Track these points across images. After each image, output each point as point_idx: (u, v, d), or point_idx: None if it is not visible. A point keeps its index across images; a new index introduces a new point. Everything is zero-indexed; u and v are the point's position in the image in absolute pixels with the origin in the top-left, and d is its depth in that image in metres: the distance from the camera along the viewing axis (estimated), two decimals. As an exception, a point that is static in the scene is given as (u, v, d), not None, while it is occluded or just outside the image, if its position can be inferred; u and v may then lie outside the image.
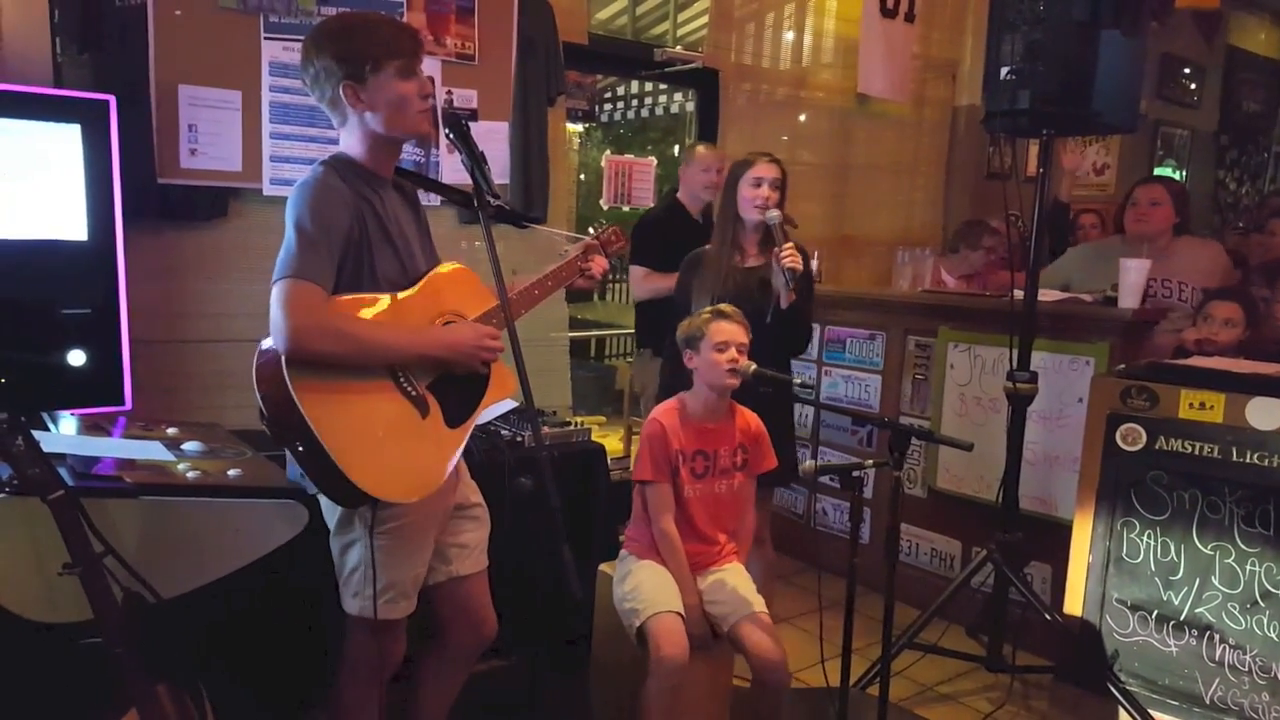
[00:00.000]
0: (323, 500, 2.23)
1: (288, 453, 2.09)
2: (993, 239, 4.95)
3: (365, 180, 2.18)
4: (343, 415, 2.02)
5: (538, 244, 3.61)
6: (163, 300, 3.37)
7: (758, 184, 3.22)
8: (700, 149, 4.29)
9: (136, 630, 1.97)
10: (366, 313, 2.10)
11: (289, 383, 1.96)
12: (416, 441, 2.15)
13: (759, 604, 2.73)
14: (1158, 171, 6.86)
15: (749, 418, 2.90)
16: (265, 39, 3.47)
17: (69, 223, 2.83)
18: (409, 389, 2.14)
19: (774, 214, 3.19)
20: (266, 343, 2.04)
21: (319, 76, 2.13)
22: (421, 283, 2.23)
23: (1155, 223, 4.04)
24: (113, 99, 2.88)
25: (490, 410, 3.22)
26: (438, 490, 2.21)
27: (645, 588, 2.70)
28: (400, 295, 2.17)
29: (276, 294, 1.97)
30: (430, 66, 2.40)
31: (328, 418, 1.98)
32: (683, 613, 2.65)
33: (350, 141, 2.21)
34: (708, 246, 3.36)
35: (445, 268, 2.32)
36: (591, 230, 2.62)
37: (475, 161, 2.16)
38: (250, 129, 3.47)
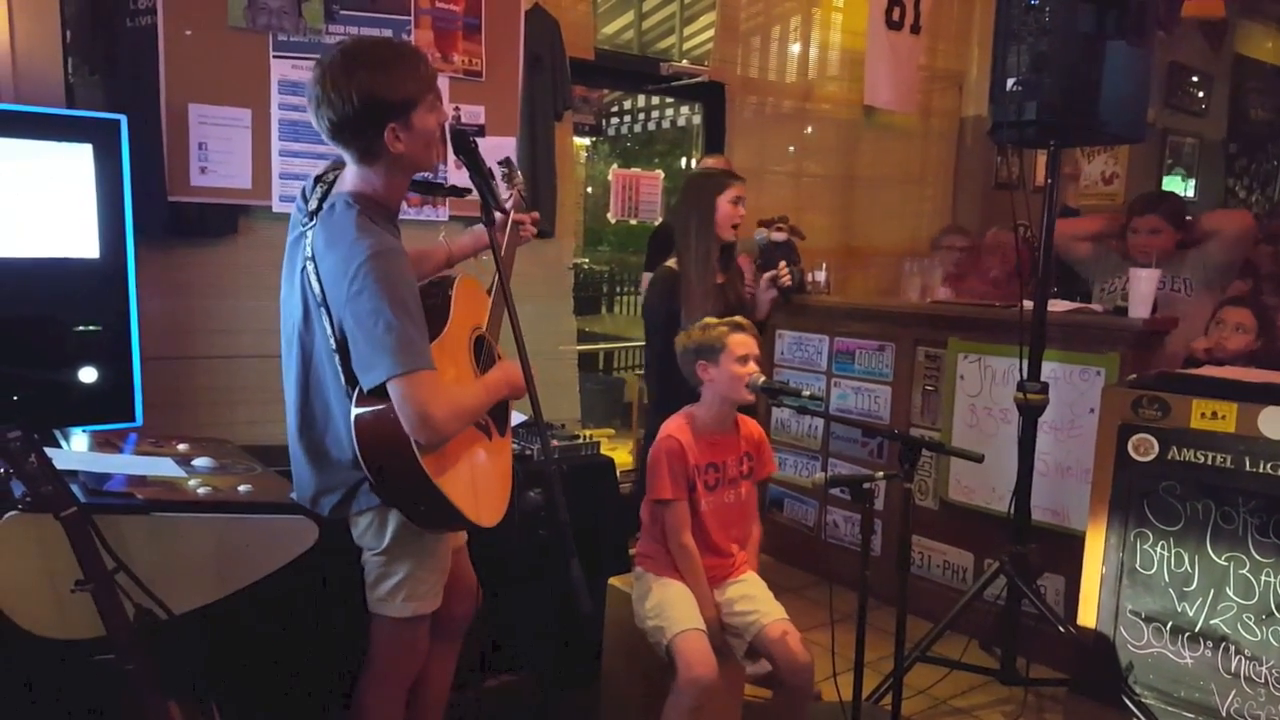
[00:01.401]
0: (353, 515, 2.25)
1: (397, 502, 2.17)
2: (964, 238, 4.99)
3: (387, 218, 2.16)
4: (456, 469, 2.14)
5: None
6: (173, 317, 3.38)
7: (736, 202, 3.25)
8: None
9: (148, 647, 1.97)
10: (449, 369, 2.19)
11: (420, 461, 2.03)
12: (494, 462, 2.33)
13: (779, 611, 2.73)
14: (1166, 180, 6.85)
15: (751, 425, 2.90)
16: (274, 58, 3.49)
17: (81, 241, 2.85)
18: (479, 420, 2.29)
19: (780, 234, 3.22)
20: (364, 407, 2.05)
21: (362, 121, 2.02)
22: (450, 310, 2.28)
23: (1156, 249, 4.04)
24: (124, 119, 2.90)
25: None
26: None
27: (668, 606, 2.69)
28: (444, 332, 2.22)
29: (409, 390, 1.96)
30: (438, 83, 2.42)
31: (450, 479, 2.10)
32: (705, 629, 2.64)
33: (374, 180, 2.14)
34: (672, 264, 3.36)
35: (455, 283, 2.35)
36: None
37: (483, 179, 2.16)
38: (260, 147, 3.49)
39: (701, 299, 3.25)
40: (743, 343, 2.74)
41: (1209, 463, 2.88)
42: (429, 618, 2.33)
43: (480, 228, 2.54)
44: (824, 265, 4.75)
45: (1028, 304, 3.32)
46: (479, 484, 2.22)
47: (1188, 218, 4.21)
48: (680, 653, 2.57)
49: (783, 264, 3.23)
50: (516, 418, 3.28)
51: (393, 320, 1.96)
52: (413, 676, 2.38)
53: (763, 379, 2.72)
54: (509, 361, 2.33)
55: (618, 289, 11.66)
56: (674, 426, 2.79)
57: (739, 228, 3.41)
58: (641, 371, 5.35)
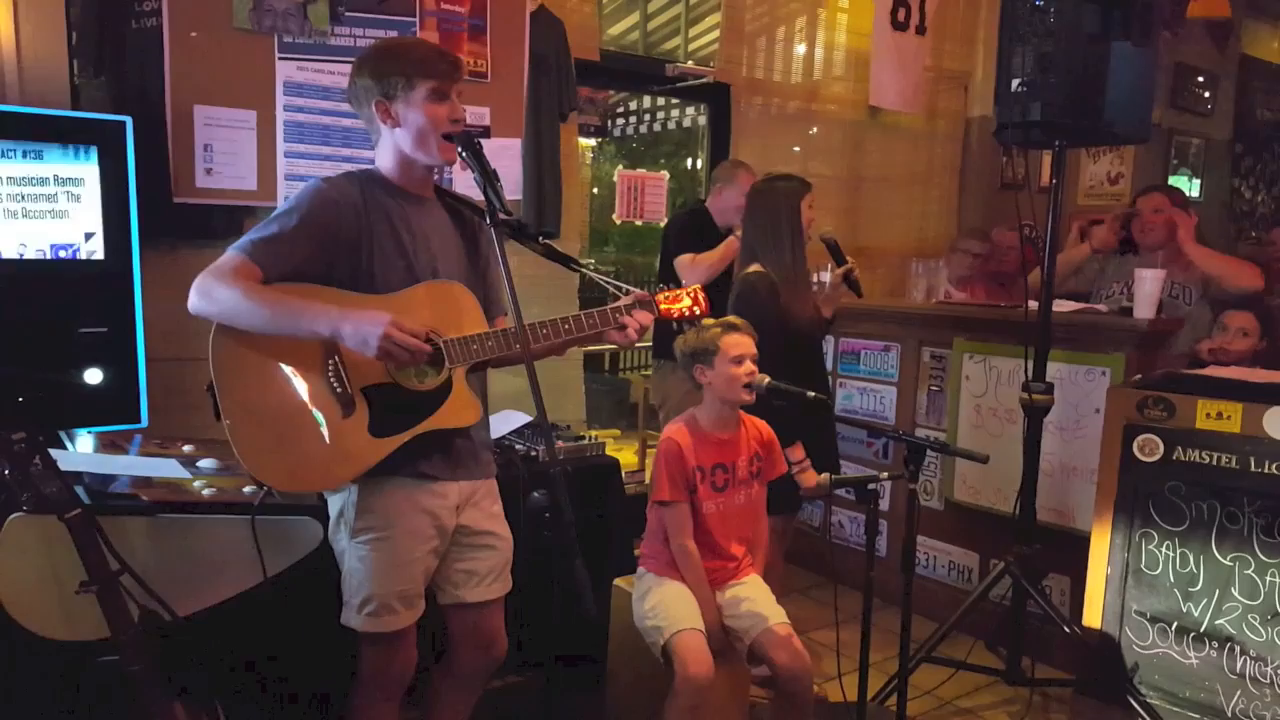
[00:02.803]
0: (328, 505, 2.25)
1: None
2: (981, 245, 4.96)
3: (388, 193, 2.24)
4: (247, 389, 2.10)
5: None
6: (178, 318, 3.35)
7: (810, 207, 3.32)
8: (744, 172, 4.24)
9: (153, 648, 1.98)
10: (302, 294, 2.11)
11: (211, 336, 2.09)
12: (316, 436, 2.12)
13: (779, 615, 2.72)
14: (1172, 180, 6.83)
15: (759, 425, 2.90)
16: (279, 59, 3.49)
17: (86, 242, 2.85)
18: (335, 385, 2.14)
19: (827, 229, 3.29)
20: None
21: (358, 94, 2.24)
22: (399, 292, 2.20)
23: (1162, 229, 4.04)
24: (129, 120, 2.91)
25: (504, 425, 3.23)
26: (416, 504, 2.22)
27: (666, 605, 2.69)
28: (362, 295, 2.15)
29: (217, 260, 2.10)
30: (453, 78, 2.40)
31: (234, 381, 2.09)
32: (703, 630, 2.64)
33: (382, 158, 2.29)
34: (761, 270, 3.30)
35: (435, 283, 2.26)
36: (660, 290, 2.43)
37: (487, 179, 2.16)
38: (265, 148, 3.50)
39: (803, 304, 3.29)
40: (736, 343, 2.73)
41: (1214, 463, 2.87)
42: (393, 637, 2.27)
43: (642, 294, 2.40)
44: (829, 266, 4.74)
45: (1033, 304, 3.32)
46: (274, 434, 2.10)
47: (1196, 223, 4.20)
48: (676, 653, 2.57)
49: (850, 259, 3.33)
50: (521, 419, 3.29)
51: (266, 220, 2.15)
52: (396, 690, 2.35)
53: (766, 380, 2.71)
54: (374, 310, 2.07)
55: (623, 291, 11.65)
56: (675, 429, 2.79)
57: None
58: (647, 372, 5.35)
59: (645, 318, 2.33)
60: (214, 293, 2.06)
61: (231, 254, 2.10)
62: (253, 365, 2.11)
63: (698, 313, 2.44)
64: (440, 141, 2.20)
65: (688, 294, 2.43)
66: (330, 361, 2.14)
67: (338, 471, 2.16)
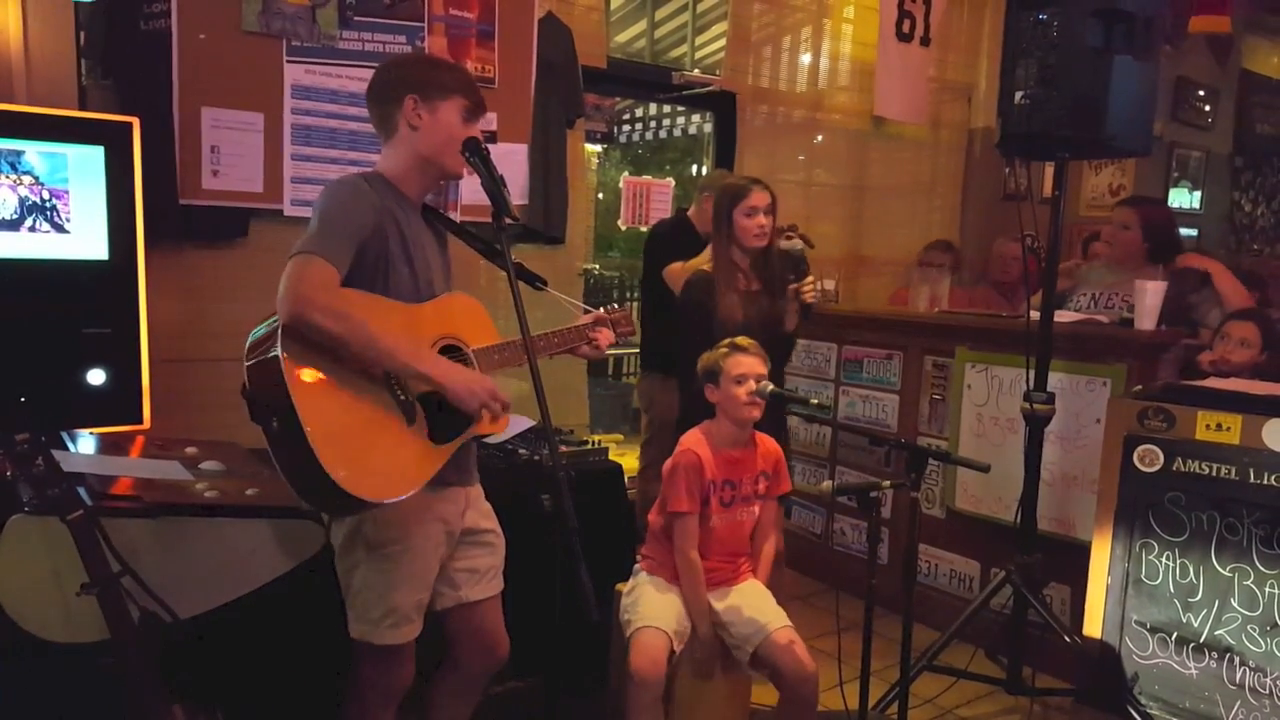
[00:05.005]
0: (333, 524, 2.25)
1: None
2: (944, 256, 5.04)
3: (394, 198, 2.23)
4: (326, 399, 2.02)
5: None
6: (182, 320, 3.39)
7: (751, 214, 3.24)
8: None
9: (153, 650, 1.98)
10: (374, 309, 2.11)
11: (280, 352, 1.97)
12: (397, 445, 2.13)
13: (781, 619, 2.72)
14: (1172, 193, 6.85)
15: (769, 444, 2.91)
16: (288, 62, 3.51)
17: (91, 243, 2.86)
18: (399, 394, 2.13)
19: (798, 244, 3.22)
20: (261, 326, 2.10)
21: (390, 85, 2.22)
22: (434, 301, 2.26)
23: (1120, 247, 4.02)
24: (136, 121, 2.92)
25: (507, 429, 3.24)
26: (432, 512, 2.24)
27: (642, 602, 2.74)
28: (406, 306, 2.20)
29: (290, 267, 2.00)
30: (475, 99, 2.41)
31: (310, 397, 1.98)
32: (670, 631, 2.65)
33: (390, 161, 2.27)
34: (707, 270, 3.35)
35: (460, 296, 2.36)
36: (604, 309, 2.63)
37: (495, 184, 2.18)
38: (272, 151, 3.51)
39: (730, 306, 3.25)
40: (738, 364, 2.75)
41: (1214, 474, 2.88)
42: (401, 649, 2.27)
43: (599, 313, 2.61)
44: (836, 275, 4.77)
45: (1034, 314, 3.32)
46: (363, 445, 2.06)
47: (1182, 249, 4.14)
48: (632, 647, 2.61)
49: (809, 279, 3.23)
50: (524, 423, 3.29)
51: (316, 221, 2.08)
52: (395, 700, 2.35)
53: (770, 387, 2.72)
54: (473, 372, 2.22)
55: (628, 294, 11.67)
56: (694, 440, 2.80)
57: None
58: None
59: (608, 335, 2.53)
60: (348, 317, 2.00)
61: (313, 259, 2.00)
62: (326, 371, 2.04)
63: (628, 331, 2.66)
64: (460, 156, 2.22)
65: (623, 314, 2.64)
66: (391, 374, 2.13)
67: (415, 478, 2.13)
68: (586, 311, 2.61)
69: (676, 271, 3.98)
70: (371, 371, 2.09)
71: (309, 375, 2.00)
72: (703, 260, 3.90)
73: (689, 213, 4.33)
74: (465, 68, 2.39)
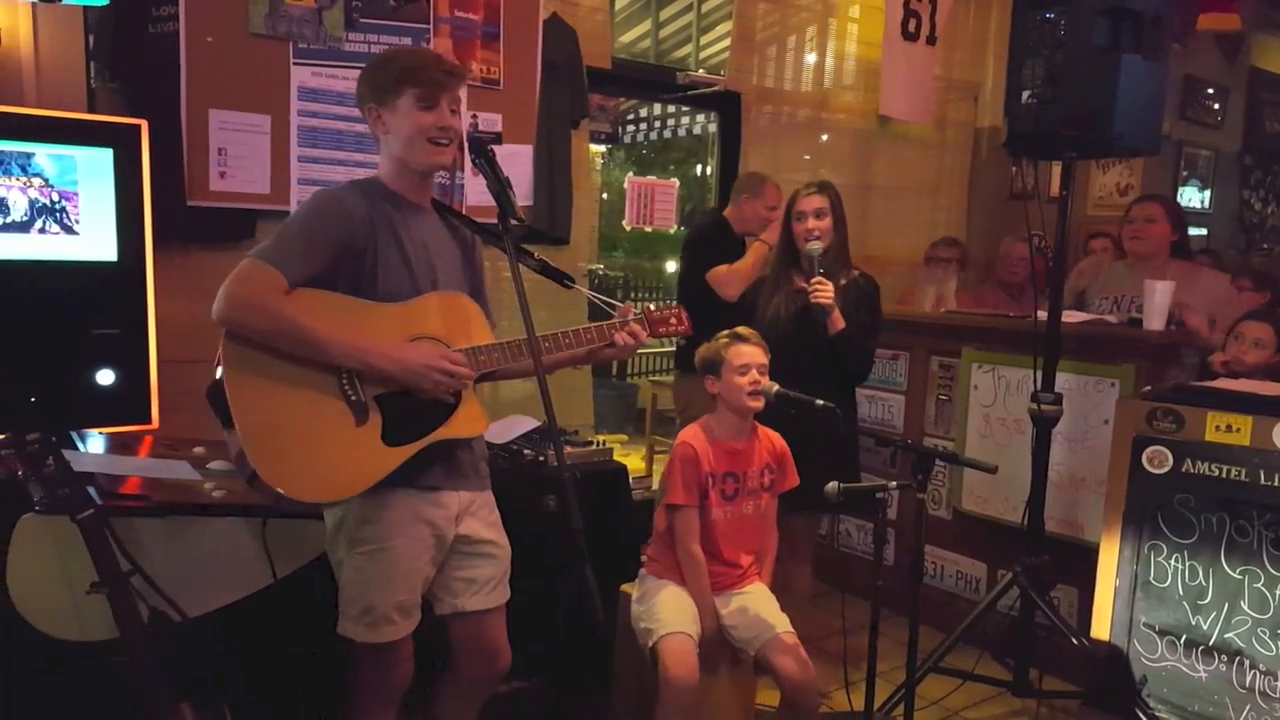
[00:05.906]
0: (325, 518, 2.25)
1: None
2: (951, 250, 5.06)
3: (389, 201, 2.24)
4: (260, 397, 2.08)
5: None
6: (191, 320, 3.37)
7: (801, 218, 3.28)
8: (770, 184, 4.24)
9: (161, 648, 1.98)
10: (323, 307, 2.12)
11: (220, 352, 2.06)
12: (343, 445, 2.12)
13: (783, 624, 2.72)
14: (1181, 192, 6.83)
15: (773, 437, 2.90)
16: (294, 64, 3.52)
17: (100, 244, 2.87)
18: (350, 393, 2.13)
19: (815, 246, 3.24)
20: None
21: (358, 103, 2.29)
22: (420, 299, 2.23)
23: (1151, 239, 4.02)
24: (144, 124, 2.93)
25: (512, 430, 3.24)
26: (417, 515, 2.21)
27: (660, 608, 2.71)
28: (377, 305, 2.18)
29: (237, 269, 2.07)
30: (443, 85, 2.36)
31: (244, 394, 2.06)
32: (694, 635, 2.64)
33: (382, 165, 2.31)
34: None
35: (452, 295, 2.31)
36: (652, 306, 2.52)
37: (500, 186, 2.19)
38: (278, 152, 3.52)
39: (772, 298, 3.33)
40: (740, 353, 2.75)
41: (1224, 476, 2.87)
42: (389, 648, 2.26)
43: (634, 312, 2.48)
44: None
45: (1042, 315, 3.32)
46: (294, 444, 2.08)
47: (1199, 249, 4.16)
48: (661, 656, 2.58)
49: (817, 280, 3.21)
50: (529, 424, 3.30)
51: (279, 229, 2.14)
52: (393, 700, 2.35)
53: (775, 387, 2.72)
54: (427, 344, 2.19)
55: (632, 295, 11.70)
56: (691, 433, 2.80)
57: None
58: (655, 378, 5.35)
59: (638, 333, 2.42)
60: (278, 314, 2.04)
61: (258, 263, 2.06)
62: (266, 372, 2.07)
63: (681, 331, 2.52)
64: (426, 146, 2.21)
65: (674, 313, 2.52)
66: (344, 371, 2.13)
67: (352, 481, 2.13)
68: (612, 309, 2.48)
69: (723, 274, 3.97)
70: (323, 372, 2.11)
71: (246, 373, 2.07)
72: (749, 262, 3.92)
73: (726, 213, 4.33)
74: (415, 49, 2.37)
